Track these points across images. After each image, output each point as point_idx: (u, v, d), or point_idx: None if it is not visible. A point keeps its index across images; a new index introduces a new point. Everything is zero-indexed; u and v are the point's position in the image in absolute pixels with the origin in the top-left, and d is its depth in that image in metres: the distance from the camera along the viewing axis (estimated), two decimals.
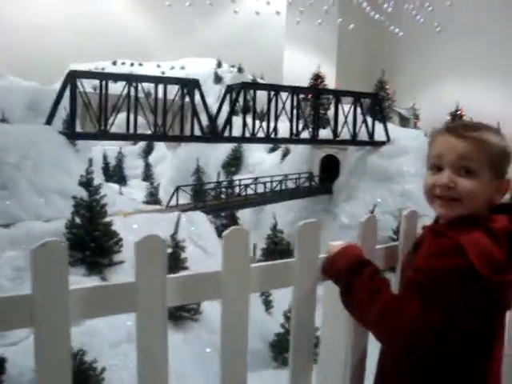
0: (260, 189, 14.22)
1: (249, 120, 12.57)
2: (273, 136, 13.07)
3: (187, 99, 11.83)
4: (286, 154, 17.80)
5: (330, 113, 14.67)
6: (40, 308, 1.14)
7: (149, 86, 12.84)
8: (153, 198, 17.16)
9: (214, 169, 18.68)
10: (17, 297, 1.12)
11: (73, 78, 10.27)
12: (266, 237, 12.24)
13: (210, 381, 7.21)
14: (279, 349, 8.65)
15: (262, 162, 18.60)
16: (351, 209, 13.63)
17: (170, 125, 11.62)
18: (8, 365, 6.21)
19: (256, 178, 14.66)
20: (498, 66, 19.05)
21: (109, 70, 22.51)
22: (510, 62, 18.66)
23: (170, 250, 7.86)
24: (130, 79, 11.16)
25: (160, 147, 22.37)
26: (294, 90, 13.38)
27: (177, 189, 12.14)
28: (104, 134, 10.98)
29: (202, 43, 26.66)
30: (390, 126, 15.67)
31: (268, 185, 14.36)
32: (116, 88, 12.29)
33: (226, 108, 12.69)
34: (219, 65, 24.62)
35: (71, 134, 10.67)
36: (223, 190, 14.33)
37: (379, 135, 14.81)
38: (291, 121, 13.22)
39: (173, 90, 12.09)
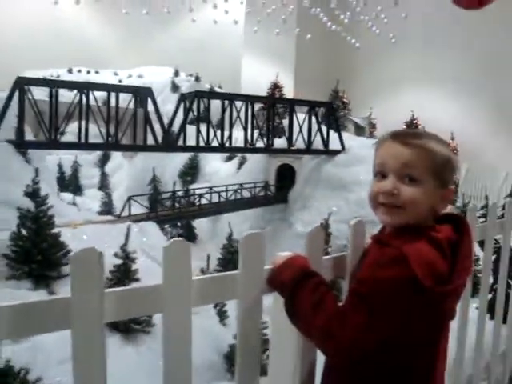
0: (215, 198, 14.13)
1: (203, 129, 12.47)
2: (227, 145, 13.02)
3: (141, 108, 11.72)
4: (242, 162, 17.77)
5: (286, 122, 14.68)
6: None
7: (102, 95, 12.66)
8: (107, 208, 16.89)
9: (170, 178, 18.49)
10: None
11: (21, 84, 10.02)
12: (222, 246, 12.13)
13: None
14: (234, 360, 8.50)
15: (218, 171, 18.52)
16: (306, 217, 13.67)
17: (123, 134, 11.44)
18: None
19: (211, 188, 14.56)
20: (451, 78, 19.47)
21: (64, 78, 22.16)
22: (464, 73, 19.07)
23: (119, 262, 7.71)
24: (81, 87, 10.94)
25: (116, 156, 22.05)
26: (248, 99, 13.36)
27: (129, 199, 11.99)
28: (54, 143, 10.72)
29: (160, 52, 26.46)
30: (345, 134, 15.83)
31: (223, 194, 14.28)
32: (71, 96, 12.04)
33: (180, 117, 12.56)
34: (176, 73, 24.48)
35: (19, 142, 10.40)
36: (177, 199, 14.15)
37: (334, 144, 14.92)
38: (246, 130, 13.20)
39: (127, 99, 11.96)
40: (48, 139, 10.63)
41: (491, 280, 3.41)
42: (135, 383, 6.93)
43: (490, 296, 3.33)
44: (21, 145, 10.59)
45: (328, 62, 22.79)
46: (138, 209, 13.00)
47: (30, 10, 27.04)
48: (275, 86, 20.28)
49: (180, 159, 18.95)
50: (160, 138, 11.70)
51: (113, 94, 11.48)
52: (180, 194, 15.40)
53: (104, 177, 21.36)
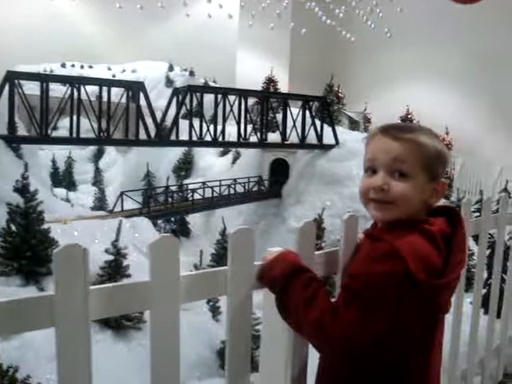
0: (208, 193, 14.07)
1: (196, 123, 12.40)
2: (220, 139, 12.96)
3: (134, 102, 11.65)
4: (236, 157, 17.71)
5: (280, 116, 14.64)
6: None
7: (95, 89, 12.57)
8: (101, 203, 16.84)
9: (164, 173, 18.43)
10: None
11: (11, 79, 9.93)
12: (216, 242, 12.07)
13: None
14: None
15: (212, 165, 18.47)
16: (300, 212, 13.66)
17: (115, 128, 11.37)
18: None
19: (204, 183, 14.50)
20: (447, 72, 19.45)
21: (58, 73, 22.06)
22: (460, 68, 19.05)
23: (110, 258, 7.64)
24: (73, 81, 10.84)
25: (110, 151, 21.97)
26: (241, 93, 13.30)
27: (121, 194, 11.95)
28: (45, 139, 10.63)
29: (154, 46, 26.34)
30: (339, 129, 15.79)
31: (216, 189, 14.23)
32: (63, 90, 11.94)
33: (173, 111, 12.49)
34: (171, 68, 24.40)
35: (10, 137, 10.31)
36: (170, 194, 14.08)
37: (328, 138, 14.89)
38: (239, 124, 13.14)
39: (120, 93, 11.89)
40: (39, 134, 10.54)
41: (485, 275, 3.39)
42: (126, 379, 6.87)
43: (484, 291, 3.32)
44: (11, 140, 10.49)
45: (323, 56, 22.72)
46: (131, 204, 12.95)
47: (24, 5, 26.87)
48: (270, 81, 20.23)
49: (174, 154, 18.88)
50: (153, 133, 11.63)
51: (105, 89, 11.41)
52: (173, 189, 15.33)
53: (98, 172, 21.27)
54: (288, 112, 14.30)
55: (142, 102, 11.63)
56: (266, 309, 1.60)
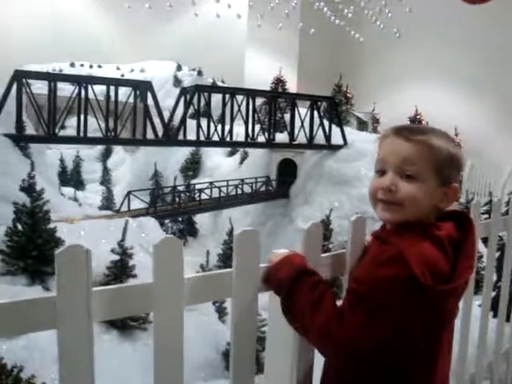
0: (216, 193, 14.05)
1: (204, 123, 12.40)
2: (228, 139, 12.94)
3: (141, 102, 11.66)
4: (244, 157, 17.70)
5: (288, 116, 14.62)
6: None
7: (103, 89, 12.60)
8: (108, 203, 16.88)
9: (172, 173, 18.46)
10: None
11: (18, 78, 9.96)
12: (223, 242, 12.07)
13: None
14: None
15: (220, 165, 18.48)
16: (308, 213, 13.64)
17: (122, 128, 11.38)
18: None
19: (211, 183, 14.49)
20: (456, 73, 19.37)
21: (67, 72, 22.14)
22: (469, 68, 18.97)
23: (117, 258, 7.64)
24: (80, 80, 10.86)
25: (118, 151, 22.03)
26: (249, 93, 13.29)
27: (128, 194, 11.97)
28: (52, 138, 10.66)
29: (163, 46, 26.39)
30: (347, 129, 15.77)
31: (224, 189, 14.21)
32: (72, 90, 11.95)
33: (181, 111, 12.49)
34: (179, 68, 24.43)
35: (17, 136, 10.35)
36: (177, 194, 14.08)
37: (336, 139, 14.85)
38: (246, 124, 13.12)
39: (127, 93, 11.90)
40: (46, 133, 10.57)
41: (495, 277, 3.35)
42: (131, 379, 6.86)
43: (493, 293, 3.28)
44: (19, 139, 10.53)
45: (332, 56, 22.70)
46: (137, 204, 12.95)
47: (33, 5, 27.01)
48: (278, 81, 20.20)
49: (182, 154, 18.91)
50: (160, 132, 11.63)
51: (112, 88, 11.43)
52: (180, 189, 15.34)
53: (106, 171, 21.33)
54: (296, 112, 14.27)
55: (150, 101, 11.65)
56: (271, 311, 1.58)
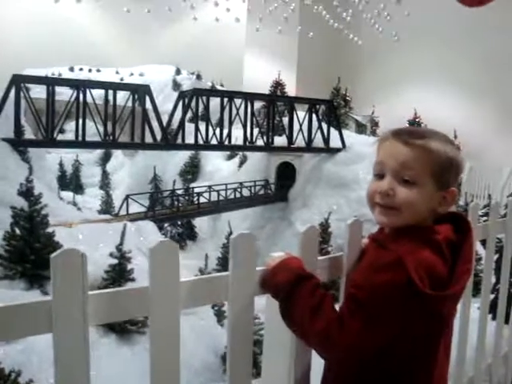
0: (214, 197, 14.04)
1: (202, 127, 12.39)
2: (227, 143, 12.93)
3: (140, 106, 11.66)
4: (243, 161, 17.71)
5: (286, 120, 14.63)
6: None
7: (101, 93, 12.59)
8: (107, 207, 16.86)
9: (171, 177, 18.48)
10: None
11: (17, 82, 9.96)
12: (222, 245, 12.06)
13: None
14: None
15: (219, 169, 18.50)
16: (307, 216, 13.63)
17: (120, 132, 11.37)
18: None
19: (210, 186, 14.49)
20: (455, 75, 19.39)
21: (66, 76, 22.13)
22: (468, 71, 19.00)
23: (115, 261, 7.63)
24: (78, 85, 10.85)
25: (118, 155, 22.04)
26: (247, 97, 13.29)
27: (126, 198, 11.96)
28: (51, 142, 10.65)
29: (162, 50, 26.44)
30: (346, 132, 15.76)
31: (223, 193, 14.20)
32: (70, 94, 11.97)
33: (179, 115, 12.48)
34: (178, 72, 24.46)
35: (16, 141, 10.34)
36: (176, 198, 14.06)
37: (335, 142, 14.85)
38: (245, 127, 13.12)
39: (126, 97, 11.90)
40: (45, 138, 10.56)
41: (493, 280, 3.34)
42: (130, 383, 6.85)
43: (492, 296, 3.27)
44: (17, 143, 10.52)
45: (330, 59, 22.72)
46: (136, 208, 12.94)
47: (31, 9, 27.03)
48: (277, 84, 20.23)
49: (181, 158, 18.94)
50: (159, 136, 11.63)
51: (111, 92, 11.42)
52: (179, 192, 15.33)
53: (105, 175, 21.34)
54: (294, 115, 14.28)
55: (149, 105, 11.64)
56: (268, 314, 1.59)
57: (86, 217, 11.03)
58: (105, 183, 20.92)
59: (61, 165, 20.41)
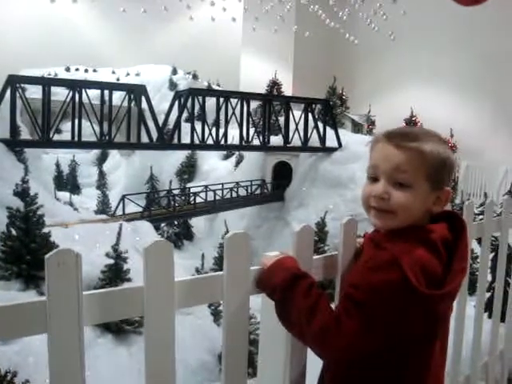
0: (211, 197, 14.03)
1: (198, 127, 12.38)
2: (223, 143, 12.92)
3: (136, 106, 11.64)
4: (239, 160, 17.70)
5: (282, 119, 14.62)
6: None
7: (97, 93, 12.58)
8: (104, 207, 16.84)
9: (168, 176, 18.47)
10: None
11: (12, 83, 9.93)
12: (218, 245, 12.04)
13: None
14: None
15: (215, 169, 18.49)
16: (303, 215, 13.62)
17: (116, 132, 11.35)
18: None
19: (206, 186, 14.47)
20: (451, 74, 19.41)
21: (62, 77, 22.08)
22: (464, 70, 19.02)
23: (111, 262, 7.61)
24: (74, 85, 10.83)
25: (114, 155, 22.01)
26: (243, 96, 13.28)
27: (123, 198, 11.93)
28: (46, 142, 10.62)
29: (158, 50, 26.39)
30: (342, 131, 15.75)
31: (219, 192, 14.18)
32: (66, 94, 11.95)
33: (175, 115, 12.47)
34: (174, 72, 24.43)
35: (12, 141, 10.32)
36: (172, 198, 14.04)
37: (331, 141, 14.85)
38: (241, 127, 13.11)
39: (122, 97, 11.88)
40: (40, 138, 10.54)
41: (489, 278, 3.35)
42: (126, 383, 6.84)
43: (488, 294, 3.28)
44: (12, 144, 10.50)
45: (327, 59, 22.73)
46: (133, 208, 12.92)
47: (27, 9, 26.96)
48: (274, 84, 20.22)
49: (177, 158, 18.92)
50: (155, 136, 11.61)
51: (106, 92, 11.41)
52: (175, 192, 15.31)
53: (102, 175, 21.30)
54: (290, 115, 14.27)
55: (145, 105, 11.63)
56: (264, 313, 1.59)
57: (83, 217, 11.03)
58: (101, 183, 20.89)
59: (57, 165, 20.37)
